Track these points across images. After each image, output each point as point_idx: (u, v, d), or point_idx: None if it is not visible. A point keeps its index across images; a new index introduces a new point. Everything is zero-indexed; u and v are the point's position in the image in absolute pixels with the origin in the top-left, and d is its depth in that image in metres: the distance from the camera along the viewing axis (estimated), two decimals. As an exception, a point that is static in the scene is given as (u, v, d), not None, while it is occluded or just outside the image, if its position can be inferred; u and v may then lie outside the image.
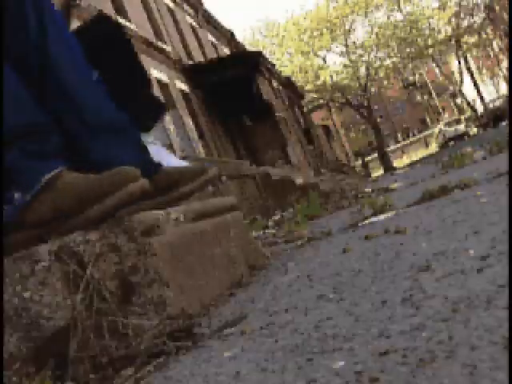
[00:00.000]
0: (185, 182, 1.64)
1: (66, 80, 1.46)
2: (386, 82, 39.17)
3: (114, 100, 1.69)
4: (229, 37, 26.32)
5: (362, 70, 36.50)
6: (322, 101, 38.80)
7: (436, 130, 47.81)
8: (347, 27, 36.36)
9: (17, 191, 1.30)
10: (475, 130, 40.01)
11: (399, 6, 37.19)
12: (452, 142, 37.18)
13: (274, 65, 24.11)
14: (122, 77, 1.92)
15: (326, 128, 38.32)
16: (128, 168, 1.30)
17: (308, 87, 35.10)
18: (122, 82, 1.86)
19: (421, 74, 54.48)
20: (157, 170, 1.62)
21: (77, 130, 1.46)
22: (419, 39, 36.35)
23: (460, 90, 41.99)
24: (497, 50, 44.03)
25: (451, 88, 45.77)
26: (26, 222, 1.29)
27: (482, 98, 43.52)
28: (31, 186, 1.30)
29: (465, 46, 39.90)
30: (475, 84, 44.24)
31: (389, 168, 32.52)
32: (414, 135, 67.98)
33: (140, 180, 1.29)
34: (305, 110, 32.89)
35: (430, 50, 37.12)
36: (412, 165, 18.98)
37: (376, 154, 44.02)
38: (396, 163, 43.92)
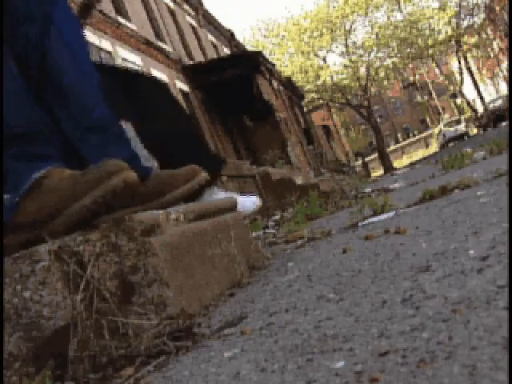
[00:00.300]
0: (176, 186, 1.62)
1: (64, 81, 1.46)
2: (386, 83, 39.12)
3: (165, 161, 1.72)
4: (229, 37, 26.33)
5: (362, 71, 36.48)
6: (322, 101, 38.79)
7: (436, 131, 47.84)
8: (347, 27, 36.35)
9: (6, 193, 1.29)
10: (475, 130, 40.04)
11: (399, 7, 37.18)
12: (452, 143, 37.20)
13: (274, 65, 24.10)
14: (174, 139, 1.99)
15: (326, 128, 38.31)
16: (113, 161, 1.25)
17: (308, 87, 35.08)
18: (173, 144, 1.92)
19: (421, 75, 54.48)
20: (148, 172, 1.62)
21: (72, 129, 1.46)
22: (419, 39, 36.34)
23: (460, 91, 41.99)
24: (497, 50, 44.05)
25: (451, 88, 45.77)
26: (16, 223, 1.28)
27: (482, 99, 43.53)
28: (20, 187, 1.29)
29: (465, 47, 39.89)
30: (475, 84, 44.25)
31: (389, 168, 32.50)
32: (414, 135, 67.99)
33: (125, 172, 1.24)
34: (305, 110, 32.88)
35: (430, 51, 37.10)
36: (412, 165, 18.98)
37: (376, 154, 44.02)
38: (396, 163, 43.93)
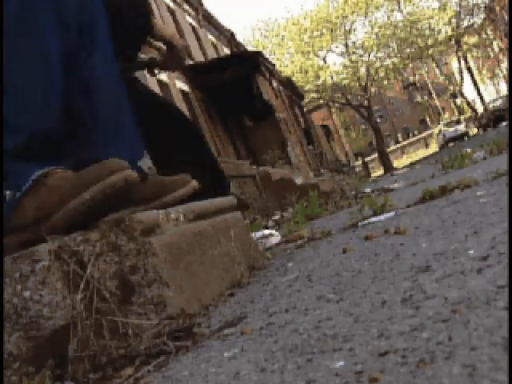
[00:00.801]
0: (173, 190, 1.66)
1: (94, 79, 1.48)
2: (386, 83, 39.12)
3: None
4: (229, 37, 26.33)
5: (362, 71, 36.48)
6: (322, 101, 38.82)
7: (436, 131, 47.86)
8: (347, 27, 36.36)
9: (8, 190, 1.28)
10: (475, 130, 40.06)
11: (399, 7, 37.21)
12: (452, 143, 37.22)
13: (274, 65, 24.12)
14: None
15: (326, 128, 38.32)
16: (114, 160, 1.25)
17: (308, 87, 35.08)
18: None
19: (421, 75, 54.51)
20: (146, 175, 1.64)
21: (72, 129, 1.46)
22: (419, 39, 36.35)
23: (460, 91, 42.00)
24: (497, 50, 44.06)
25: (451, 88, 45.76)
26: (15, 222, 1.27)
27: (482, 99, 43.55)
28: (21, 185, 1.28)
29: (465, 47, 39.91)
30: (475, 84, 44.27)
31: (389, 168, 32.49)
32: (414, 135, 68.03)
33: (125, 171, 1.24)
34: (305, 110, 32.89)
35: (430, 51, 37.10)
36: (412, 165, 18.98)
37: (376, 155, 44.03)
38: (396, 163, 43.92)
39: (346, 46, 36.57)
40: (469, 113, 47.00)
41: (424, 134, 62.23)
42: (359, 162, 41.59)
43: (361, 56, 36.54)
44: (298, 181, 9.88)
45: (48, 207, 1.25)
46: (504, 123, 26.20)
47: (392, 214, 2.42)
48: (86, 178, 1.24)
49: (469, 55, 42.19)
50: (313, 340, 0.87)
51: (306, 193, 5.70)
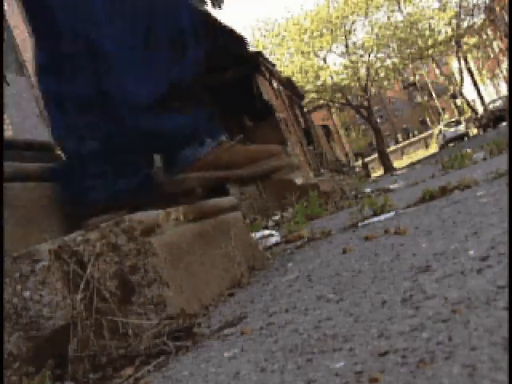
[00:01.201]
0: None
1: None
2: (386, 83, 39.11)
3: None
4: (229, 37, 26.31)
5: (363, 71, 36.46)
6: (322, 101, 38.81)
7: (436, 131, 47.88)
8: (347, 28, 36.36)
9: (208, 138, 1.74)
10: (475, 130, 40.08)
11: (399, 7, 37.21)
12: (452, 143, 37.25)
13: (274, 65, 24.11)
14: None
15: (326, 128, 38.32)
16: (275, 145, 1.82)
17: (308, 87, 35.06)
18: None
19: (421, 75, 54.55)
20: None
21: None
22: (419, 40, 36.33)
23: (460, 91, 41.99)
24: (497, 50, 44.07)
25: (451, 89, 45.75)
26: (207, 162, 1.65)
27: (482, 99, 43.55)
28: (217, 138, 1.77)
29: (465, 47, 39.90)
30: (475, 85, 44.27)
31: (389, 168, 32.47)
32: (414, 136, 68.05)
33: (283, 156, 1.78)
34: (305, 110, 32.88)
35: (431, 51, 37.09)
36: (412, 165, 18.97)
37: (376, 155, 44.03)
38: (396, 164, 43.91)
39: (346, 46, 36.57)
40: (469, 113, 46.99)
41: (424, 135, 62.23)
42: (359, 162, 41.57)
43: (361, 56, 36.53)
44: (298, 181, 9.87)
45: (233, 160, 1.71)
46: (504, 123, 26.19)
47: (392, 214, 2.42)
48: (259, 151, 1.77)
49: (469, 55, 42.19)
50: (313, 340, 0.87)
51: (306, 193, 5.69)
